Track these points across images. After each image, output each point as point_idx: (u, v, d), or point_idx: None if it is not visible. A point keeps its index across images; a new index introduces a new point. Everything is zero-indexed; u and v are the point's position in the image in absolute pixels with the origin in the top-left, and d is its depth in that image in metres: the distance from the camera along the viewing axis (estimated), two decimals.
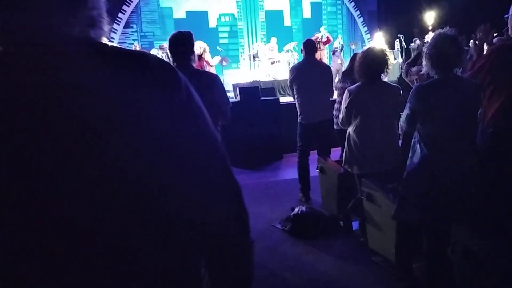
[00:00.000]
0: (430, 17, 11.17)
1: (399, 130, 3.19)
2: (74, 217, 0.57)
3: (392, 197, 2.49)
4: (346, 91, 2.88)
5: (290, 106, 4.23)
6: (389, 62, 2.74)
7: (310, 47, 4.14)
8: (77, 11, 0.65)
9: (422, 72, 2.26)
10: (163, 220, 0.64)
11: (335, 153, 4.20)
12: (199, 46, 5.26)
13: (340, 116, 2.97)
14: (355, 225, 3.30)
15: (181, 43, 2.59)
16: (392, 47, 10.60)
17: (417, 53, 3.35)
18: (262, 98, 6.14)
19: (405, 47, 10.49)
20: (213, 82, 2.62)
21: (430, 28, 10.61)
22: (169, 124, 0.63)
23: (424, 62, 2.19)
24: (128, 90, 0.60)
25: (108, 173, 0.58)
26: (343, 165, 3.02)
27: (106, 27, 0.69)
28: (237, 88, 6.71)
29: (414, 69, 3.05)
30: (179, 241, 0.68)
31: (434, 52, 2.12)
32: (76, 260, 0.58)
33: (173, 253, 0.67)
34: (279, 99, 6.75)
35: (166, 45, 10.08)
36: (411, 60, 3.31)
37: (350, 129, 2.90)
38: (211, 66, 7.47)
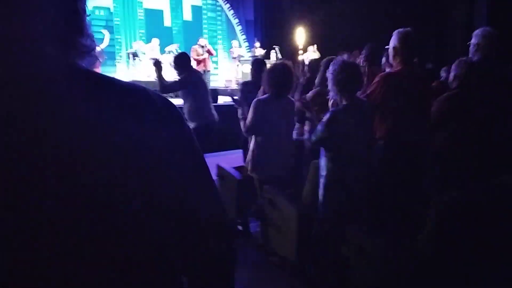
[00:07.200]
0: (301, 33, 12.25)
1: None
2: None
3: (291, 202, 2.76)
4: (256, 101, 2.99)
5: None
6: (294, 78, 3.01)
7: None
8: (74, 38, 0.63)
9: (330, 98, 2.46)
10: (150, 247, 0.63)
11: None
12: None
13: (247, 125, 3.02)
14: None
15: None
16: (268, 57, 11.31)
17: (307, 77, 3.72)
18: None
19: (280, 57, 11.28)
20: None
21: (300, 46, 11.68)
22: (172, 158, 0.65)
23: (330, 87, 2.39)
24: (132, 124, 0.60)
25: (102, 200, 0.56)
26: (249, 170, 3.16)
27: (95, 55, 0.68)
28: None
29: (309, 94, 3.28)
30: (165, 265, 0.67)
31: (342, 78, 2.32)
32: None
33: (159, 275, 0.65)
34: None
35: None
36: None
37: (258, 137, 3.06)
38: None
